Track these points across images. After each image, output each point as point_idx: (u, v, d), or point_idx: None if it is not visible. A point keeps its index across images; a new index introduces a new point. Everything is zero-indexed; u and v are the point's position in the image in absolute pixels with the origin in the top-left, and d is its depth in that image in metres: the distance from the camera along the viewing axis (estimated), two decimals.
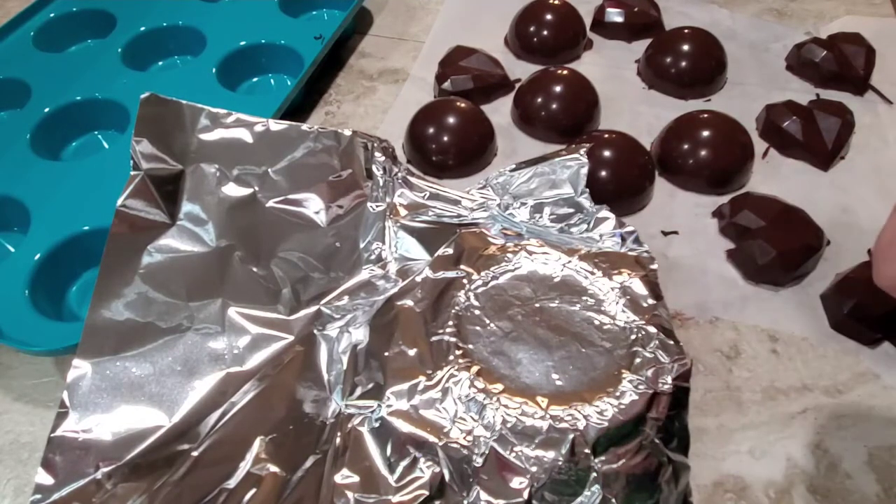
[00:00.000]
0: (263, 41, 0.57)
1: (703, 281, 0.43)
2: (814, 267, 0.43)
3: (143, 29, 0.58)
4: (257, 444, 0.33)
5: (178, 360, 0.36)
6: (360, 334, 0.37)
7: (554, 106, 0.52)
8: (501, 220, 0.41)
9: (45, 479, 0.31)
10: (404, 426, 0.31)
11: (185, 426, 0.34)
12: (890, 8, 0.65)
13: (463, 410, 0.31)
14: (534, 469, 0.29)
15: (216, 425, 0.34)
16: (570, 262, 0.38)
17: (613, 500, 0.29)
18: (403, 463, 0.31)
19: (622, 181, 0.46)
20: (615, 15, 0.61)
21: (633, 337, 0.34)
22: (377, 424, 0.32)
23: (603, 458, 0.30)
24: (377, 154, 0.43)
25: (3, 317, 0.39)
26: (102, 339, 0.35)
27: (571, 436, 0.30)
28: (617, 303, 0.35)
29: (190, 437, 0.33)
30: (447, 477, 0.30)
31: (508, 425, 0.30)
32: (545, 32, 0.59)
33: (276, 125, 0.42)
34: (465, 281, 0.37)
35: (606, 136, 0.48)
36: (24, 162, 0.48)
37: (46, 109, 0.51)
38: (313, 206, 0.41)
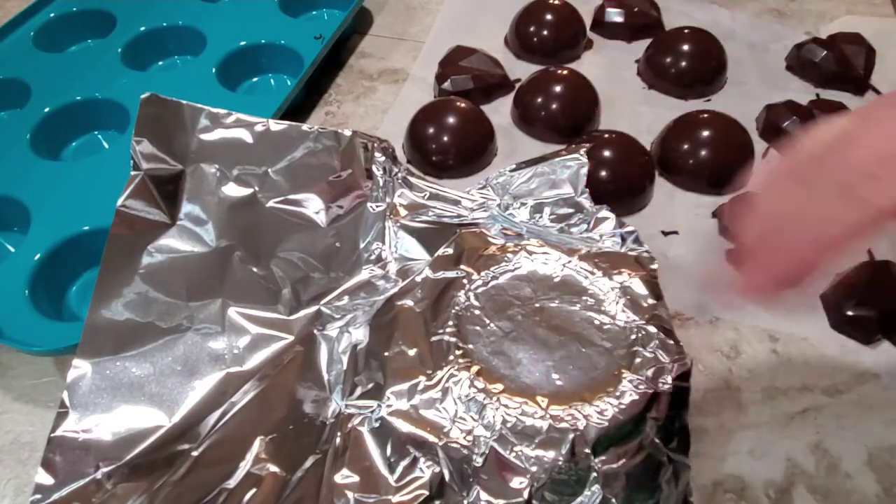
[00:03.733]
0: (263, 41, 0.57)
1: None
2: None
3: (143, 29, 0.58)
4: (257, 444, 0.33)
5: (178, 360, 0.36)
6: (360, 334, 0.37)
7: (554, 106, 0.52)
8: (501, 220, 0.41)
9: (45, 479, 0.31)
10: (404, 426, 0.31)
11: (185, 426, 0.34)
12: (890, 8, 0.65)
13: (463, 410, 0.31)
14: (534, 469, 0.29)
15: (216, 425, 0.34)
16: (570, 262, 0.37)
17: (613, 500, 0.29)
18: (403, 463, 0.31)
19: (622, 181, 0.46)
20: (615, 15, 0.61)
21: (633, 337, 0.34)
22: (377, 424, 0.32)
23: (603, 457, 0.30)
24: (377, 154, 0.43)
25: (3, 317, 0.39)
26: (102, 339, 0.35)
27: (571, 436, 0.30)
28: (617, 303, 0.35)
29: (190, 437, 0.33)
30: (447, 477, 0.30)
31: (508, 425, 0.30)
32: (545, 32, 0.59)
33: (276, 125, 0.41)
34: (465, 281, 0.37)
35: (606, 136, 0.48)
36: (24, 162, 0.48)
37: (46, 109, 0.51)
38: (313, 206, 0.41)
